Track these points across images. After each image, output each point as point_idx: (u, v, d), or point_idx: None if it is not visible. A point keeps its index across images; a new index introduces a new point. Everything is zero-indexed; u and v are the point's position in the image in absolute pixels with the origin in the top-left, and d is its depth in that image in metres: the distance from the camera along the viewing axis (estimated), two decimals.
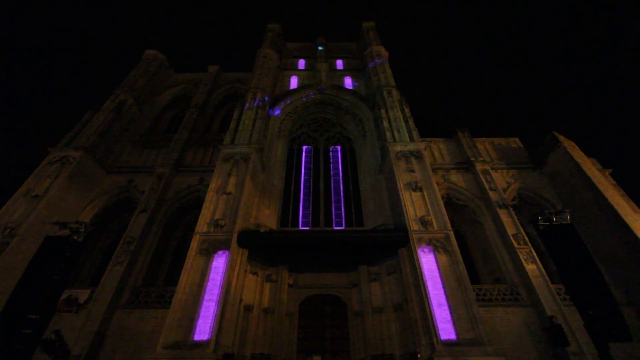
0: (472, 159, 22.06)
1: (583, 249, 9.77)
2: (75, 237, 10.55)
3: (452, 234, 15.67)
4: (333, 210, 21.29)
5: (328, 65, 30.18)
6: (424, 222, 16.08)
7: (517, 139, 24.93)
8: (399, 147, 19.86)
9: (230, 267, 14.56)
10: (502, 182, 21.34)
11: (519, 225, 17.95)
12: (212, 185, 17.82)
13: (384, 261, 16.83)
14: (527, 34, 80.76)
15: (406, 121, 22.04)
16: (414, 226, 15.95)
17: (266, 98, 25.09)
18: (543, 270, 15.94)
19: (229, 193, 17.43)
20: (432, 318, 12.88)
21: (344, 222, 20.69)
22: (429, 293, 13.57)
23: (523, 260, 16.35)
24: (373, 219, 19.68)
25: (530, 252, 16.70)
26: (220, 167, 18.89)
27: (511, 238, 17.33)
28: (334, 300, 16.69)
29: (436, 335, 12.42)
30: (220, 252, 15.12)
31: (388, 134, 21.05)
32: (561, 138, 21.70)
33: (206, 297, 13.60)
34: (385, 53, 29.65)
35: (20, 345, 8.31)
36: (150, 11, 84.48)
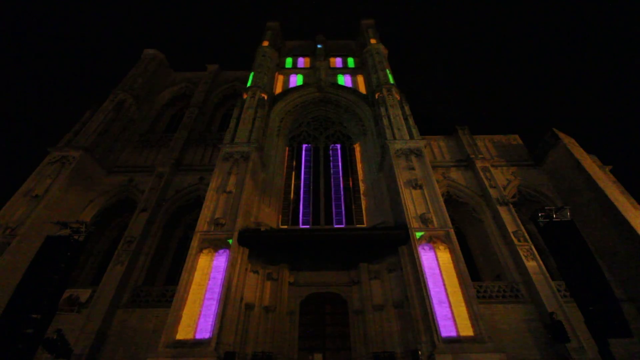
0: (472, 156, 22.05)
1: (583, 245, 9.78)
2: (75, 237, 10.55)
3: (452, 231, 15.68)
4: (333, 208, 21.29)
5: (327, 63, 30.11)
6: (424, 220, 16.08)
7: (517, 136, 24.92)
8: (398, 145, 19.85)
9: (231, 265, 14.58)
10: (502, 179, 21.33)
11: (519, 222, 17.95)
12: (212, 184, 17.83)
13: (385, 259, 16.86)
14: (526, 31, 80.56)
15: (406, 119, 22.02)
16: (414, 224, 15.96)
17: (265, 97, 25.06)
18: (543, 267, 15.96)
19: (229, 192, 17.43)
20: (432, 315, 12.92)
21: (344, 220, 20.69)
22: (429, 290, 13.60)
23: (523, 257, 16.36)
24: (373, 217, 19.70)
25: (531, 249, 16.72)
26: (220, 166, 18.89)
27: (511, 235, 17.34)
28: (335, 298, 16.72)
29: (437, 332, 12.46)
30: (221, 251, 15.15)
31: (388, 132, 21.03)
32: (561, 135, 21.67)
33: (207, 295, 13.63)
34: (384, 50, 29.60)
35: (22, 344, 8.34)
36: (150, 11, 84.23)
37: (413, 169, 18.49)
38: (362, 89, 27.77)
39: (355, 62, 31.48)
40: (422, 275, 14.08)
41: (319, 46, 31.89)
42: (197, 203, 19.70)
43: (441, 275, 14.16)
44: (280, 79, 29.36)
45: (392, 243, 16.35)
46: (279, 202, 20.93)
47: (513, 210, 18.63)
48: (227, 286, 13.84)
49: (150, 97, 29.31)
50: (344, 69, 30.54)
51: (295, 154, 24.70)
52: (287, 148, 24.84)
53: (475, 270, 18.76)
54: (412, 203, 16.89)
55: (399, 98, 23.86)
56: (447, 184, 21.38)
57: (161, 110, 29.75)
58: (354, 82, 28.73)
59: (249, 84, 25.85)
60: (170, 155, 22.55)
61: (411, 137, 20.58)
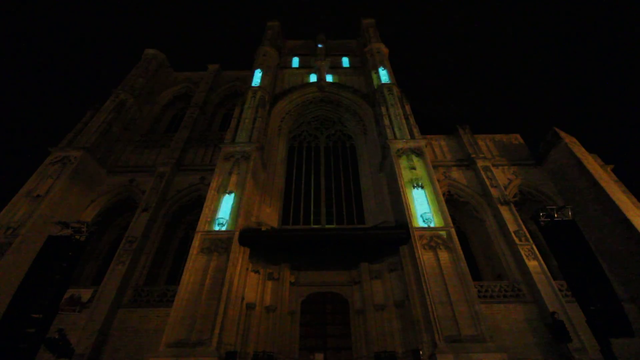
0: (473, 155, 22.01)
1: (584, 245, 9.77)
2: (77, 237, 10.58)
3: (453, 231, 15.66)
4: (334, 208, 21.27)
5: (328, 62, 30.06)
6: (425, 220, 16.07)
7: (518, 136, 24.85)
8: (399, 145, 19.82)
9: (232, 265, 14.59)
10: (503, 178, 21.29)
11: (520, 221, 17.93)
12: (213, 184, 17.84)
13: (385, 259, 16.86)
14: (527, 30, 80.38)
15: (407, 118, 21.98)
16: (415, 223, 15.94)
17: (266, 96, 25.05)
18: (545, 267, 15.93)
19: (230, 192, 17.45)
20: (433, 315, 12.90)
21: (345, 220, 20.68)
22: (430, 290, 13.59)
23: (524, 257, 16.34)
24: (374, 216, 19.68)
25: (532, 248, 16.70)
26: (221, 165, 18.90)
27: (512, 234, 17.32)
28: (336, 298, 16.72)
29: (438, 332, 12.45)
30: (221, 251, 15.15)
31: (389, 131, 21.00)
32: (562, 134, 21.61)
33: (208, 295, 13.62)
34: (385, 50, 29.55)
35: (24, 344, 8.37)
36: (150, 11, 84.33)
37: (414, 168, 18.47)
38: (363, 88, 27.72)
39: (356, 62, 31.44)
40: (423, 275, 14.07)
41: (319, 46, 31.86)
42: (198, 203, 19.70)
43: (442, 274, 14.14)
44: (281, 78, 29.33)
45: (393, 243, 16.34)
46: (280, 202, 20.93)
47: (514, 209, 18.60)
48: (228, 286, 13.85)
49: (151, 97, 29.34)
50: (345, 69, 30.48)
51: (296, 154, 24.69)
52: (287, 148, 24.83)
53: (477, 269, 18.73)
54: (413, 202, 16.87)
55: (399, 97, 23.82)
56: (448, 183, 21.35)
57: (162, 110, 29.78)
58: (355, 81, 28.68)
59: (249, 84, 25.85)
60: (171, 155, 22.56)
61: (412, 136, 20.55)
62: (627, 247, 16.45)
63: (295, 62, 32.03)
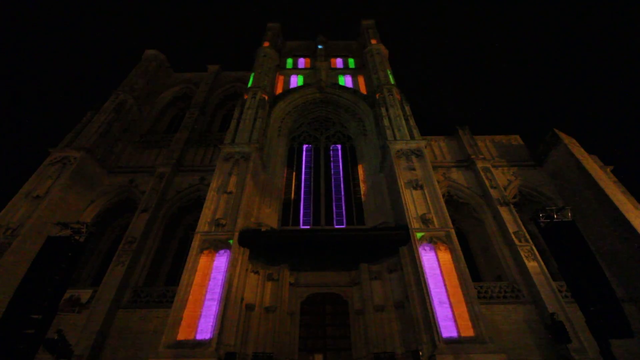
0: (473, 156, 22.02)
1: (584, 245, 9.77)
2: (76, 237, 10.59)
3: (453, 231, 15.66)
4: (334, 209, 21.28)
5: (328, 63, 30.11)
6: (425, 220, 16.06)
7: (517, 137, 24.88)
8: (399, 146, 19.83)
9: (232, 266, 14.58)
10: (503, 179, 21.30)
11: (520, 222, 17.93)
12: (213, 185, 17.84)
13: (385, 259, 16.84)
14: (527, 31, 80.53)
15: (406, 119, 22.00)
16: (415, 224, 15.93)
17: (266, 97, 25.07)
18: (544, 268, 15.94)
19: (230, 192, 17.44)
20: (433, 316, 12.89)
21: (344, 220, 20.67)
22: (430, 291, 13.58)
23: (524, 258, 16.34)
24: (374, 217, 19.68)
25: (532, 249, 16.70)
26: (221, 166, 18.91)
27: (512, 235, 17.32)
28: (336, 299, 16.71)
29: (438, 333, 12.44)
30: (221, 252, 15.15)
31: (388, 132, 21.01)
32: (562, 135, 21.64)
33: (208, 296, 13.63)
34: (385, 51, 29.60)
35: (23, 345, 8.35)
36: (150, 11, 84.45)
37: (414, 169, 18.48)
38: (363, 89, 27.73)
39: (355, 63, 31.45)
40: (423, 276, 14.06)
41: (319, 47, 31.86)
42: (198, 203, 19.71)
43: (442, 275, 14.14)
44: (280, 79, 29.35)
45: (392, 243, 16.33)
46: (280, 203, 20.92)
47: (514, 210, 18.61)
48: (227, 287, 13.84)
49: (151, 97, 29.36)
50: (345, 70, 30.51)
51: (296, 155, 24.70)
52: (287, 148, 24.84)
53: (476, 270, 18.73)
54: (413, 203, 16.87)
55: (399, 98, 23.85)
56: (448, 184, 21.35)
57: (162, 111, 29.82)
58: (355, 82, 28.70)
59: (249, 85, 25.88)
60: (171, 155, 22.57)
61: (412, 137, 20.56)
62: (626, 248, 16.47)
63: (296, 62, 32.05)
